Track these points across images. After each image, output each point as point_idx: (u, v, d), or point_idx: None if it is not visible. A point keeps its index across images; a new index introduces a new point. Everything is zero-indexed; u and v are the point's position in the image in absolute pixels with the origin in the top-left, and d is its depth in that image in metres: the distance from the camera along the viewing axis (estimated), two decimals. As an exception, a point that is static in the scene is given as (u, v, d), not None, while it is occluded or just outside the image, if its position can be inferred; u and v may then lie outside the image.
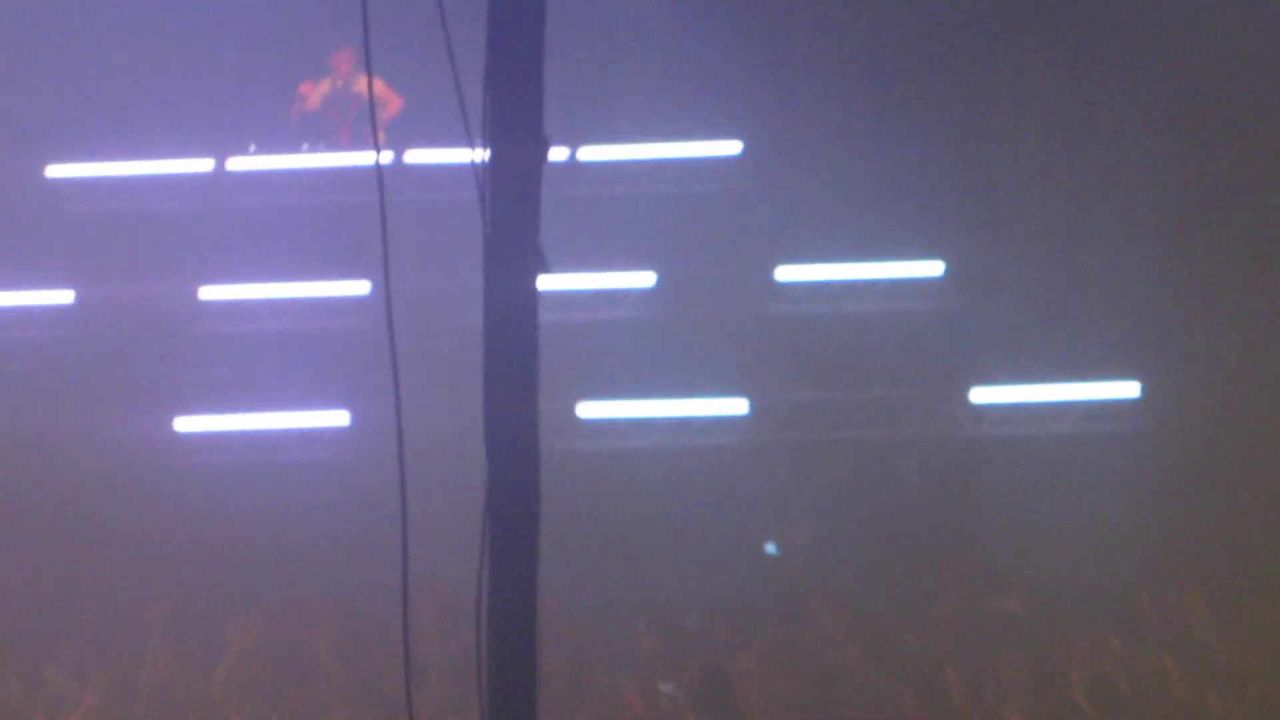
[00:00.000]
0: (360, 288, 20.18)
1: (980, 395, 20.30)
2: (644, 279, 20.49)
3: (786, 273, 20.43)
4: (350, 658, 17.33)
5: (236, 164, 20.71)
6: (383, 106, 19.77)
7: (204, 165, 20.75)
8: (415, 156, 20.00)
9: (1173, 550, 18.93)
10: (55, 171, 20.51)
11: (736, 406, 20.46)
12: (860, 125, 20.28)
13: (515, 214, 7.30)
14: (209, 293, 20.51)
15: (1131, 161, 20.34)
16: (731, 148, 20.51)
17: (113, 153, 20.57)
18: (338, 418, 20.28)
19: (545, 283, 7.20)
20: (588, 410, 20.07)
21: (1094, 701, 15.40)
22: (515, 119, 7.35)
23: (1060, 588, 18.56)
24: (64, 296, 20.44)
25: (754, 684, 16.09)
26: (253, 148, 20.63)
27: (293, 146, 20.55)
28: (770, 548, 20.46)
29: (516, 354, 7.27)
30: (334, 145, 20.46)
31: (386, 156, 19.53)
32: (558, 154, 19.62)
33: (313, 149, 20.47)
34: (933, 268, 20.37)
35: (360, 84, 20.05)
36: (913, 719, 15.41)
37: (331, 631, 17.82)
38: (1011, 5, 20.28)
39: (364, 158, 19.93)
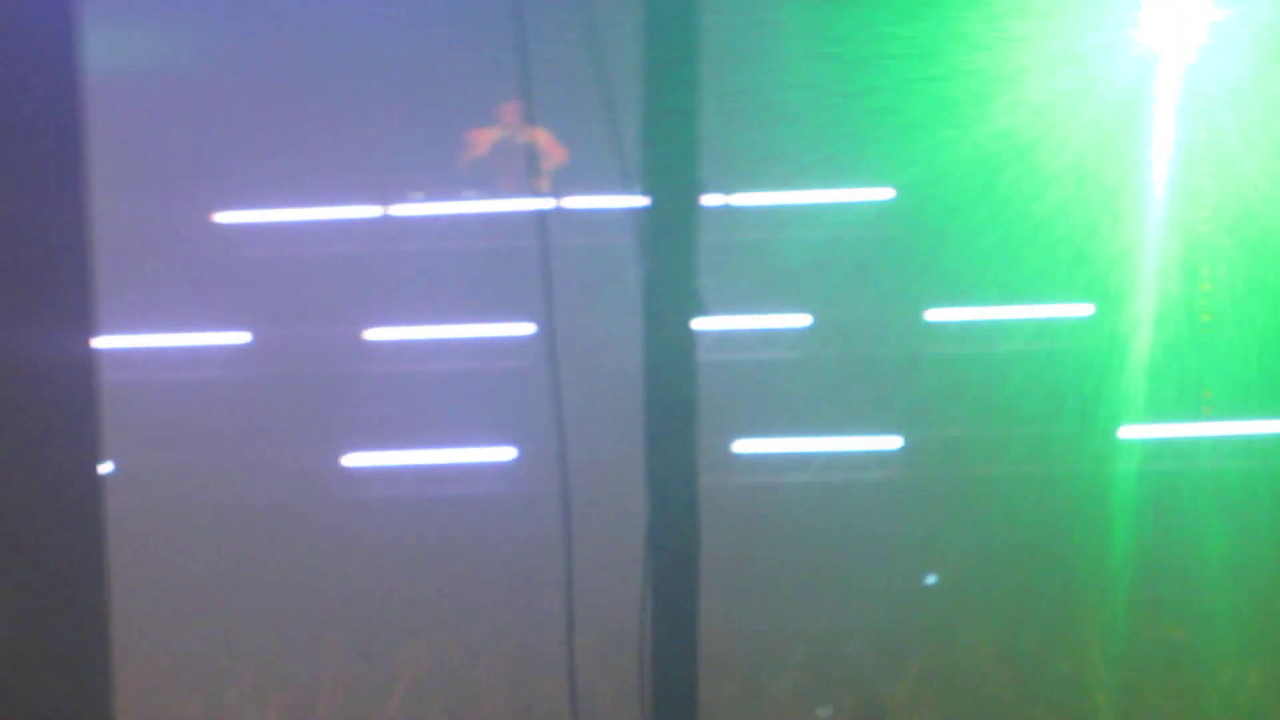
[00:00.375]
0: (524, 329, 20.31)
1: (1129, 432, 20.26)
2: (800, 320, 20.59)
3: (937, 314, 20.49)
4: (516, 686, 17.38)
5: (402, 210, 20.85)
6: (546, 156, 19.83)
7: (371, 211, 20.88)
8: (575, 203, 20.07)
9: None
10: (226, 218, 20.71)
11: (890, 443, 20.59)
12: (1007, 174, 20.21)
13: (673, 258, 7.38)
14: (375, 334, 20.73)
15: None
16: (884, 194, 20.50)
17: (283, 200, 20.75)
18: (504, 453, 20.45)
19: (703, 324, 7.29)
20: (745, 446, 20.16)
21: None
22: (672, 167, 7.42)
23: (1217, 614, 18.42)
24: (241, 337, 20.68)
25: (906, 710, 16.06)
26: (420, 194, 20.75)
27: (456, 193, 20.67)
28: (931, 578, 20.44)
29: (675, 392, 7.30)
30: (498, 192, 20.55)
31: (549, 203, 19.59)
32: (714, 200, 19.84)
33: (477, 195, 20.57)
34: (1081, 309, 20.39)
35: (525, 134, 20.10)
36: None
37: (496, 660, 17.88)
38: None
39: (526, 203, 20.04)
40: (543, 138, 19.57)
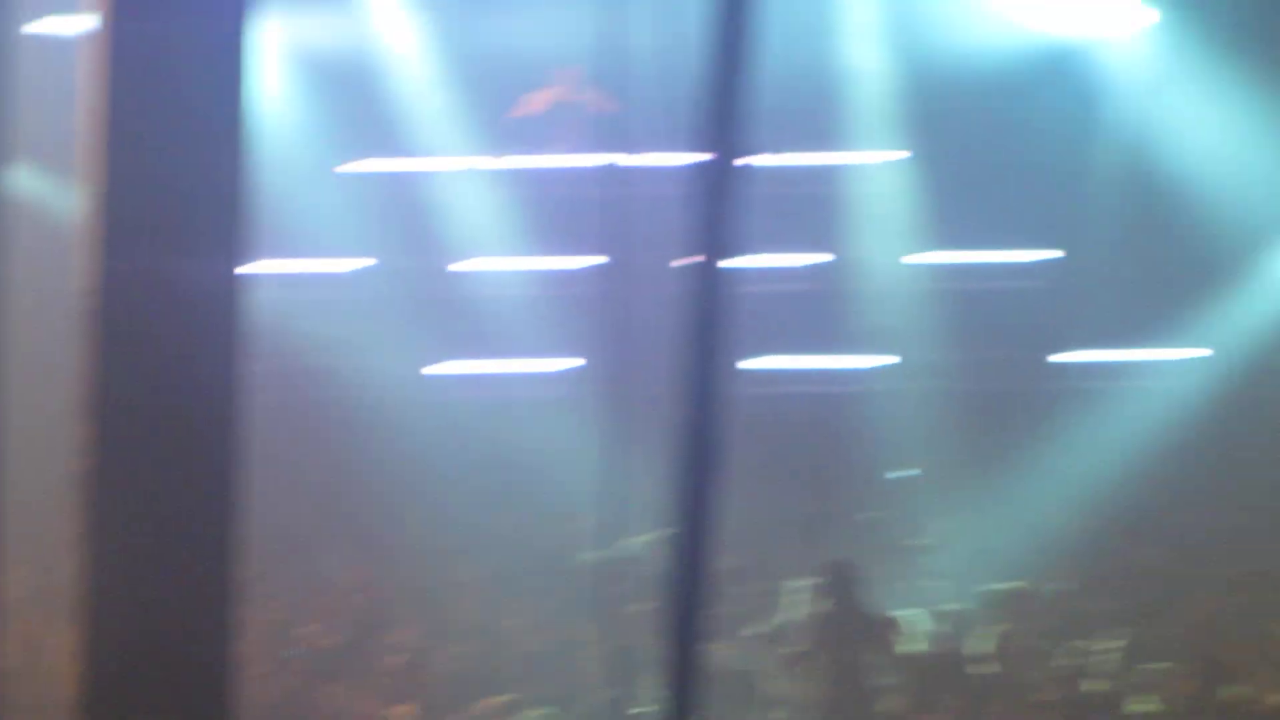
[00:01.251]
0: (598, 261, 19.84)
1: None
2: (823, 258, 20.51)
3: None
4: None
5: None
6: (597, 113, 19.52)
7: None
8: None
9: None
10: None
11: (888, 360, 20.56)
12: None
13: (715, 208, 7.34)
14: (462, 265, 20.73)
15: None
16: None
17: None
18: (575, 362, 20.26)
19: (737, 262, 7.28)
20: (759, 364, 19.92)
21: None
22: (721, 127, 7.39)
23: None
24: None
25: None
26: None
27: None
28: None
29: (712, 318, 7.31)
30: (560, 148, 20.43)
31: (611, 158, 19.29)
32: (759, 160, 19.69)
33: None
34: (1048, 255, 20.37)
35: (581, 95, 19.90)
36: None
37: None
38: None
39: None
40: (596, 97, 19.31)
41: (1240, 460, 19.37)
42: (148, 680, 5.08)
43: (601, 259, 19.43)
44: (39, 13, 18.31)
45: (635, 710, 11.76)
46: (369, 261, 20.82)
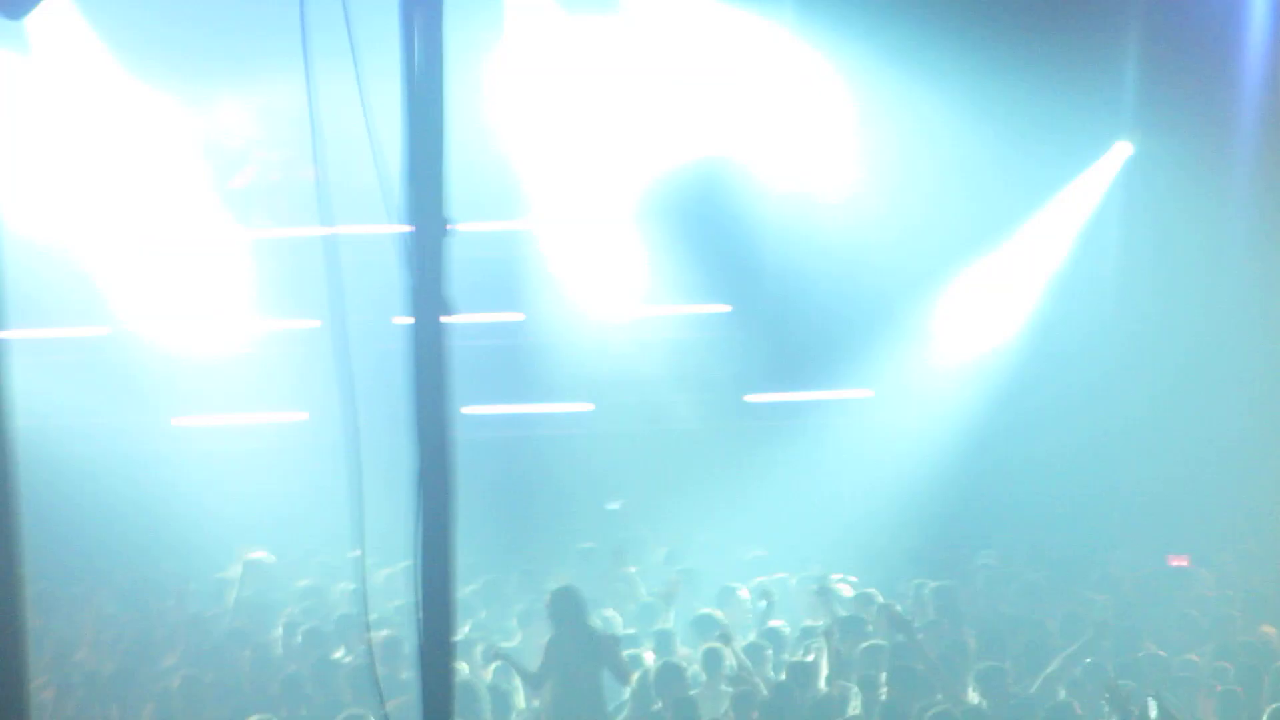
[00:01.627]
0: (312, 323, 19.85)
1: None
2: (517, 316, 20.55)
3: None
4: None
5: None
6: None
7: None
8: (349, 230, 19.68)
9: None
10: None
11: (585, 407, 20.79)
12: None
13: (429, 271, 7.60)
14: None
15: None
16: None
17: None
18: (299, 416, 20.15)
19: (450, 319, 7.54)
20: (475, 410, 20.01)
21: None
22: (426, 202, 7.63)
23: None
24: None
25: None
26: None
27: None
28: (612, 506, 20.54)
29: (433, 368, 7.51)
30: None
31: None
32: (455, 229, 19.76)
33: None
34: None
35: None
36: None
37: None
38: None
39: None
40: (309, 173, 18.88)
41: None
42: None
43: (318, 321, 19.56)
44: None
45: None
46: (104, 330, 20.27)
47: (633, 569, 17.17)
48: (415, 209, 7.31)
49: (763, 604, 14.96)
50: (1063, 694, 12.72)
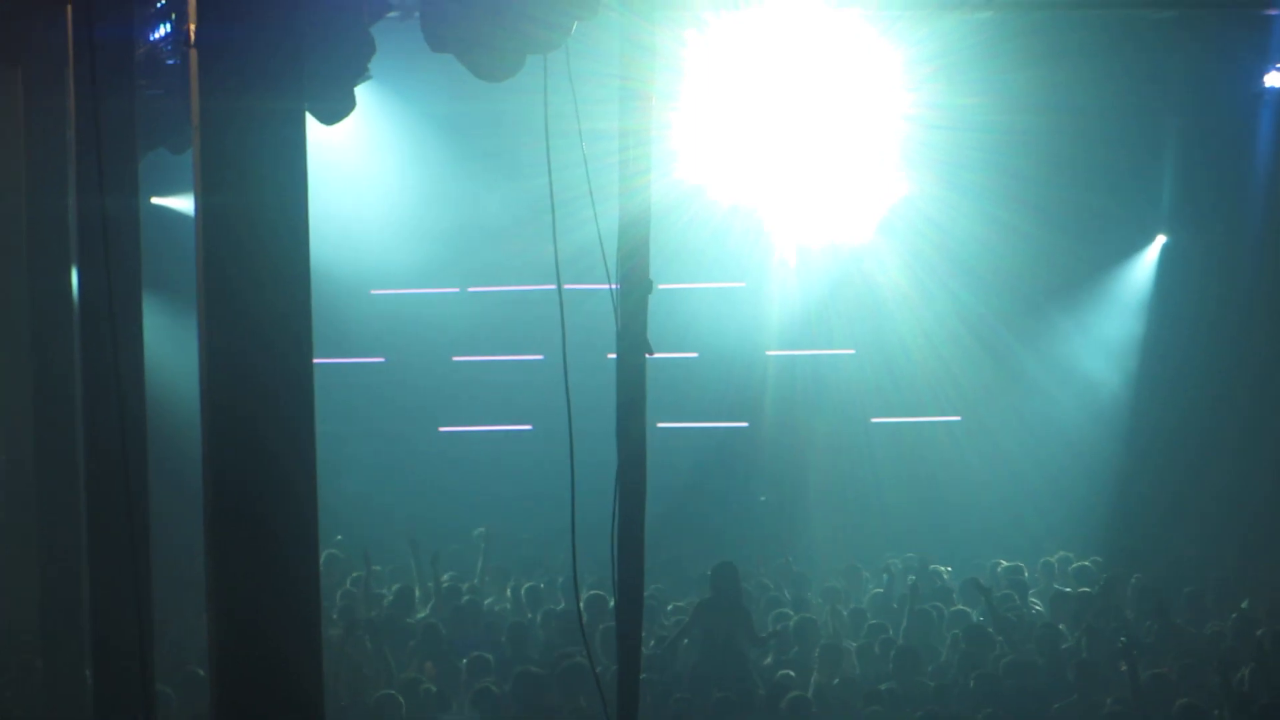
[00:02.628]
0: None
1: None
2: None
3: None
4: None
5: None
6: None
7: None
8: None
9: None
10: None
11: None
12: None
13: (634, 319, 7.94)
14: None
15: None
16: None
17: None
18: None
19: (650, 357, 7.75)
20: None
21: None
22: (633, 267, 7.93)
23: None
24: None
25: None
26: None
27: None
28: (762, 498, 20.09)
29: (634, 394, 7.82)
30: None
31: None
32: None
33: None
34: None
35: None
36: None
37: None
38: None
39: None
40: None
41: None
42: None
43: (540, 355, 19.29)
44: None
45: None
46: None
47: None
48: (624, 272, 7.90)
49: (911, 578, 14.94)
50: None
